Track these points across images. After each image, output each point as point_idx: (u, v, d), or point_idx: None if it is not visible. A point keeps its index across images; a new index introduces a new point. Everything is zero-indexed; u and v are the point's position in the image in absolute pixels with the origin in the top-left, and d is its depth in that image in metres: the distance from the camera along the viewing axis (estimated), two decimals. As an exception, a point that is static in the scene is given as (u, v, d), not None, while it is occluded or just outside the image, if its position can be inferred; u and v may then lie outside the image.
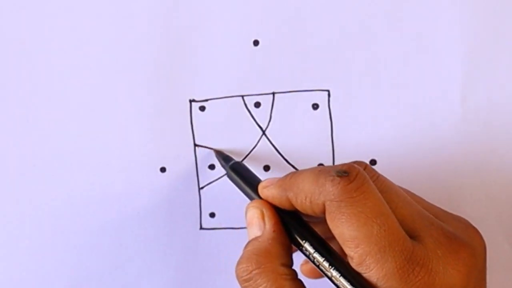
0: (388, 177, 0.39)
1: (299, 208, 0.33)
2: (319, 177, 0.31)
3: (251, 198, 0.36)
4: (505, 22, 0.38)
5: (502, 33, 0.38)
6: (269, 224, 0.34)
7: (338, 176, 0.30)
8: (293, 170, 0.41)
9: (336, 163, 0.41)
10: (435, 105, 0.39)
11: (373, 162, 0.40)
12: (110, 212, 0.42)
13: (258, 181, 0.37)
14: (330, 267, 0.31)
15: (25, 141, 0.41)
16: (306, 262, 0.38)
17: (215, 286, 0.43)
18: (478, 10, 0.38)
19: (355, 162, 0.33)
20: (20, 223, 0.42)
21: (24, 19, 0.40)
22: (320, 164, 0.41)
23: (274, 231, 0.34)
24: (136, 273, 0.43)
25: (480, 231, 0.40)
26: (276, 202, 0.34)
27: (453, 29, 0.39)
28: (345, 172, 0.31)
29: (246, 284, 0.33)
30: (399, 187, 0.34)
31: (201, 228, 0.42)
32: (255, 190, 0.36)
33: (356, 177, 0.31)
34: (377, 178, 0.33)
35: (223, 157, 0.40)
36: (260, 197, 0.35)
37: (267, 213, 0.34)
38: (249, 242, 0.35)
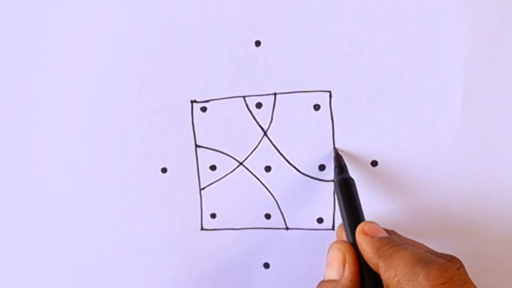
0: (388, 178, 0.40)
1: (383, 279, 0.33)
2: (416, 264, 0.32)
3: (344, 223, 0.37)
4: (506, 24, 0.38)
5: (503, 35, 0.38)
6: (348, 272, 0.35)
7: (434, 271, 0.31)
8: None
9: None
10: (436, 106, 0.39)
11: (374, 163, 0.40)
12: (110, 212, 0.42)
13: (358, 210, 0.37)
14: None
15: (25, 141, 0.41)
16: None
17: (215, 286, 0.43)
18: (479, 12, 0.38)
19: (452, 258, 0.34)
20: (20, 223, 0.43)
21: (25, 19, 0.40)
22: (322, 165, 0.41)
23: (351, 280, 0.34)
24: (136, 273, 0.43)
25: (480, 232, 0.41)
26: (365, 257, 0.35)
27: (454, 31, 0.39)
28: (442, 271, 0.31)
29: None
30: None
31: (202, 228, 0.42)
32: (353, 224, 0.36)
33: (450, 280, 0.31)
34: (465, 283, 0.33)
35: (341, 165, 0.39)
36: (352, 233, 0.36)
37: (349, 260, 0.35)
38: (323, 282, 0.35)
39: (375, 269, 0.34)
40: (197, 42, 0.40)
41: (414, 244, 0.36)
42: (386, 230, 0.36)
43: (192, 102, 0.41)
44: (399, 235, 0.38)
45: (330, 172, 0.41)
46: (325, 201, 0.41)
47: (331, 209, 0.41)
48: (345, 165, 0.39)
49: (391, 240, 0.34)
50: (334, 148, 0.40)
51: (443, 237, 0.41)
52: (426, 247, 0.36)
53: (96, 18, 0.40)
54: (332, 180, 0.41)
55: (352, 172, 0.40)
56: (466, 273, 0.34)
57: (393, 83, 0.40)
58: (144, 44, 0.40)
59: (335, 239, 0.41)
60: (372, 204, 0.41)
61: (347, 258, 0.35)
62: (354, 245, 0.35)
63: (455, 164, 0.40)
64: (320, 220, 0.41)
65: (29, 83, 0.41)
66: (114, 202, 0.42)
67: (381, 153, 0.40)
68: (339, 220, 0.41)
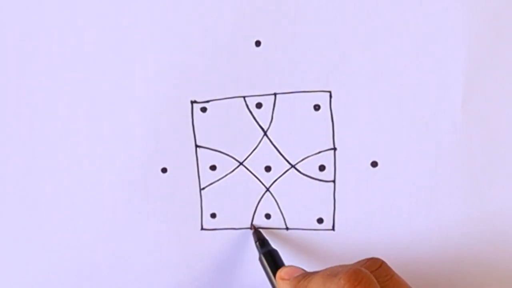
0: (389, 179, 0.40)
1: None
2: (326, 281, 0.33)
3: (272, 286, 0.39)
4: (506, 24, 0.38)
5: (503, 35, 0.38)
6: None
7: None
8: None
9: (337, 164, 0.41)
10: (436, 107, 0.39)
11: (375, 163, 0.40)
12: (110, 212, 0.42)
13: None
14: None
15: (25, 141, 0.41)
16: None
17: (215, 286, 0.43)
18: (479, 12, 0.38)
19: (370, 259, 0.35)
20: (20, 223, 0.43)
21: (26, 19, 0.40)
22: (322, 166, 0.41)
23: None
24: (136, 273, 0.43)
25: (481, 232, 0.41)
26: None
27: (454, 31, 0.38)
28: (350, 277, 0.32)
29: None
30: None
31: (202, 228, 0.42)
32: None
33: (361, 281, 0.32)
34: (391, 278, 0.34)
35: (260, 239, 0.41)
36: None
37: None
38: None
39: None
40: (197, 42, 0.40)
41: (329, 268, 0.36)
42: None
43: (192, 102, 0.41)
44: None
45: (330, 173, 0.41)
46: (325, 201, 0.41)
47: (331, 209, 0.41)
48: (265, 238, 0.41)
49: (305, 274, 0.36)
50: (252, 224, 0.42)
51: (442, 237, 0.41)
52: (341, 265, 0.36)
53: (96, 18, 0.40)
54: (332, 181, 0.41)
55: (352, 172, 0.40)
56: (389, 268, 0.34)
57: (393, 83, 0.39)
58: (144, 44, 0.40)
59: (336, 239, 0.41)
60: (372, 205, 0.41)
61: None
62: None
63: (455, 164, 0.40)
64: (320, 221, 0.41)
65: (29, 83, 0.41)
66: (114, 202, 0.42)
67: (381, 153, 0.40)
68: (339, 221, 0.41)
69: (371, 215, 0.41)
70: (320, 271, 0.35)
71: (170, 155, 0.41)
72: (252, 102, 0.41)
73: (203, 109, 0.41)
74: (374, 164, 0.40)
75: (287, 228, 0.42)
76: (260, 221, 0.42)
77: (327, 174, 0.41)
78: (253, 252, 0.42)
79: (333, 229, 0.41)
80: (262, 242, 0.41)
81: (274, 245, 0.42)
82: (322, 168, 0.41)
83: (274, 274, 0.39)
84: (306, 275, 0.35)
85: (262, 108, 0.41)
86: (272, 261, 0.39)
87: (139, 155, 0.41)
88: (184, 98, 0.41)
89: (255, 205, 0.42)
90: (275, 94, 0.40)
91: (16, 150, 0.42)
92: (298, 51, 0.40)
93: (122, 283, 0.43)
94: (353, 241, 0.41)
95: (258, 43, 0.40)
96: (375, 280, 0.32)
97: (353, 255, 0.40)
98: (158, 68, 0.40)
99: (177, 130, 0.41)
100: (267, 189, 0.42)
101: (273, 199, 0.42)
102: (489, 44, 0.38)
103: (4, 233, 0.43)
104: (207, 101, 0.41)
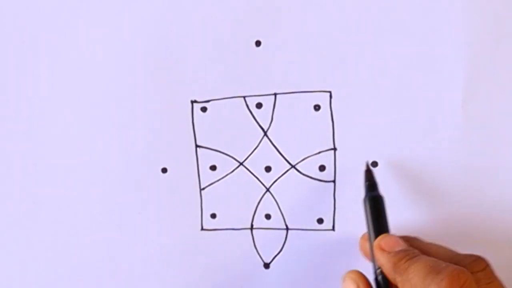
0: (389, 179, 0.40)
1: None
2: (428, 275, 0.32)
3: (369, 240, 0.38)
4: (506, 24, 0.38)
5: (503, 36, 0.38)
6: None
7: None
8: (294, 171, 0.41)
9: (337, 165, 0.41)
10: (436, 107, 0.39)
11: (375, 163, 0.40)
12: (110, 212, 0.42)
13: (383, 229, 0.38)
14: None
15: (26, 141, 0.41)
16: None
17: (215, 286, 0.43)
18: (480, 13, 0.38)
19: (477, 258, 0.34)
20: (20, 223, 0.43)
21: (26, 19, 0.40)
22: (322, 166, 0.41)
23: None
24: (136, 273, 0.43)
25: (481, 232, 0.40)
26: (385, 272, 0.35)
27: (454, 31, 0.39)
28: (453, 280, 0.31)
29: None
30: None
31: (202, 229, 0.42)
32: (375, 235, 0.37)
33: (463, 285, 0.31)
34: (492, 282, 0.33)
35: (370, 181, 0.39)
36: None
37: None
38: None
39: (395, 283, 0.35)
40: (197, 42, 0.40)
41: (438, 249, 0.36)
42: (408, 237, 0.37)
43: (192, 102, 0.41)
44: (421, 241, 0.38)
45: (330, 173, 0.41)
46: (325, 201, 0.41)
47: (331, 209, 0.41)
48: (375, 181, 0.39)
49: (407, 253, 0.35)
50: (366, 162, 0.40)
51: (442, 237, 0.41)
52: (449, 250, 0.36)
53: (96, 18, 0.40)
54: (332, 181, 0.41)
55: (352, 172, 0.40)
56: (492, 272, 0.34)
57: (393, 83, 0.40)
58: (144, 44, 0.40)
59: (337, 240, 0.41)
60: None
61: (360, 286, 0.36)
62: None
63: (455, 164, 0.40)
64: (320, 221, 0.41)
65: (29, 83, 0.41)
66: (114, 202, 0.42)
67: (381, 153, 0.40)
68: (339, 221, 0.41)
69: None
70: (423, 256, 0.34)
71: (170, 155, 0.41)
72: (252, 102, 0.41)
73: (203, 109, 0.41)
74: (374, 164, 0.40)
75: (287, 228, 0.42)
76: (260, 221, 0.42)
77: (327, 174, 0.41)
78: (253, 252, 0.42)
79: (333, 229, 0.41)
80: (370, 185, 0.39)
81: (274, 245, 0.42)
82: (322, 168, 0.41)
83: (374, 223, 0.38)
84: (407, 255, 0.35)
85: (262, 108, 0.41)
86: (374, 208, 0.38)
87: (139, 155, 0.41)
88: (184, 98, 0.41)
89: (255, 205, 0.42)
90: (275, 94, 0.40)
91: (16, 150, 0.42)
92: (298, 51, 0.40)
93: (122, 283, 0.43)
94: (353, 241, 0.41)
95: (258, 43, 0.40)
96: (475, 285, 0.32)
97: (353, 255, 0.41)
98: (158, 68, 0.40)
99: (177, 130, 0.41)
100: (267, 189, 0.42)
101: (273, 199, 0.42)
102: (489, 44, 0.39)
103: (4, 233, 0.43)
104: (207, 101, 0.41)
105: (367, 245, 0.39)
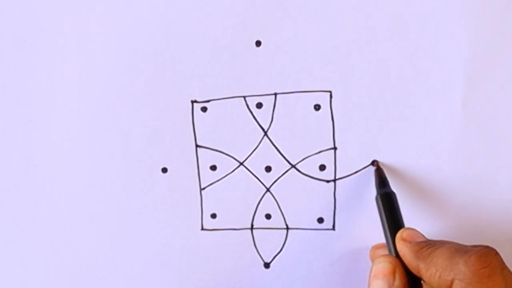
0: (389, 179, 0.40)
1: (426, 280, 0.34)
2: (454, 255, 0.33)
3: (385, 236, 0.37)
4: (506, 24, 0.38)
5: (503, 35, 0.38)
6: (399, 282, 0.35)
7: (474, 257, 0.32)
8: (295, 170, 0.41)
9: (337, 165, 0.41)
10: (436, 107, 0.39)
11: (375, 163, 0.40)
12: (110, 212, 0.42)
13: (400, 224, 0.38)
14: None
15: (26, 141, 0.41)
16: None
17: (215, 286, 0.43)
18: (480, 12, 0.38)
19: (487, 247, 0.34)
20: (21, 223, 0.42)
21: (25, 19, 0.40)
22: (322, 165, 0.41)
23: None
24: (136, 273, 0.43)
25: (481, 232, 0.41)
26: (406, 262, 0.36)
27: (455, 31, 0.39)
28: (481, 256, 0.32)
29: None
30: None
31: (202, 229, 0.42)
32: (393, 232, 0.37)
33: (490, 264, 0.32)
34: (502, 270, 0.33)
35: (381, 179, 0.40)
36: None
37: (400, 271, 0.36)
38: None
39: (417, 273, 0.35)
40: (197, 42, 0.40)
41: (452, 242, 0.36)
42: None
43: (192, 102, 0.41)
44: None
45: (330, 172, 0.41)
46: (325, 201, 0.41)
47: (331, 209, 0.41)
48: (386, 178, 0.39)
49: (428, 243, 0.35)
50: (374, 161, 0.40)
51: (442, 237, 0.41)
52: (460, 244, 0.36)
53: (96, 17, 0.40)
54: (333, 180, 0.41)
55: (353, 172, 0.40)
56: (501, 260, 0.34)
57: (393, 83, 0.40)
58: (144, 44, 0.40)
59: (337, 239, 0.41)
60: (372, 205, 0.41)
61: (397, 270, 0.36)
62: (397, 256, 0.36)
63: (455, 164, 0.40)
64: (320, 220, 0.41)
65: (29, 83, 0.41)
66: (114, 202, 0.42)
67: (381, 154, 0.40)
68: (339, 220, 0.41)
69: (371, 215, 0.41)
70: (445, 243, 0.35)
71: (170, 155, 0.41)
72: (252, 102, 0.41)
73: (204, 109, 0.41)
74: (375, 163, 0.40)
75: (287, 228, 0.42)
76: (260, 221, 0.42)
77: (328, 174, 0.41)
78: (253, 252, 0.42)
79: (333, 228, 0.41)
80: (382, 182, 0.39)
81: (274, 245, 0.42)
82: (322, 167, 0.41)
83: (388, 219, 0.38)
84: (430, 243, 0.35)
85: (263, 108, 0.41)
86: (387, 204, 0.38)
87: (139, 155, 0.41)
88: (184, 98, 0.41)
89: (256, 205, 0.42)
90: (275, 94, 0.40)
91: (16, 150, 0.42)
92: (298, 51, 0.40)
93: (122, 283, 0.43)
94: (353, 241, 0.41)
95: (258, 43, 0.40)
96: (500, 266, 0.32)
97: (354, 255, 0.41)
98: (158, 68, 0.40)
99: (177, 130, 0.41)
100: (268, 189, 0.42)
101: (273, 199, 0.42)
102: (490, 44, 0.39)
103: (4, 233, 0.43)
104: (208, 101, 0.41)
105: (378, 252, 0.39)
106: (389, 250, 0.37)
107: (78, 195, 0.42)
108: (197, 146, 0.41)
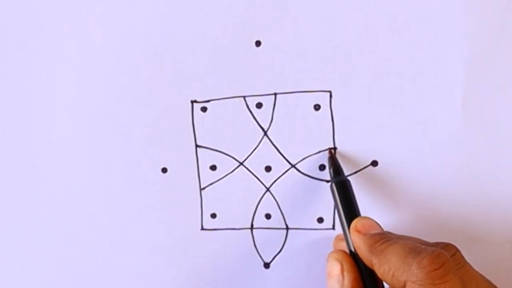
0: (388, 178, 0.40)
1: (379, 275, 0.34)
2: (408, 255, 0.32)
3: (342, 226, 0.37)
4: (506, 24, 0.38)
5: (503, 35, 0.38)
6: (347, 280, 0.35)
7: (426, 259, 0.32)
8: (294, 170, 0.41)
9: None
10: (436, 106, 0.39)
11: (375, 163, 0.40)
12: (110, 212, 0.42)
13: (355, 212, 0.37)
14: None
15: (26, 141, 0.41)
16: None
17: (215, 286, 0.43)
18: (479, 12, 0.38)
19: (446, 245, 0.34)
20: (20, 223, 0.42)
21: (25, 19, 0.40)
22: (322, 165, 0.41)
23: (352, 287, 0.35)
24: (136, 273, 0.43)
25: (481, 232, 0.41)
26: (360, 255, 0.35)
27: (454, 31, 0.39)
28: (434, 258, 0.32)
29: None
30: (483, 278, 0.35)
31: (202, 228, 0.42)
32: (349, 221, 0.37)
33: (443, 265, 0.31)
34: (463, 267, 0.34)
35: (335, 166, 0.39)
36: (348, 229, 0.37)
37: (347, 267, 0.36)
38: None
39: (370, 266, 0.34)
40: (197, 42, 0.40)
41: (408, 238, 0.36)
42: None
43: (192, 102, 0.41)
44: (392, 233, 0.38)
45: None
46: (325, 201, 0.41)
47: (331, 209, 0.41)
48: (340, 166, 0.39)
49: (383, 236, 0.35)
50: (329, 149, 0.40)
51: (442, 237, 0.41)
52: (420, 239, 0.36)
53: (96, 17, 0.40)
54: (330, 181, 0.41)
55: (352, 172, 0.40)
56: (462, 257, 0.34)
57: (393, 83, 0.40)
58: (144, 44, 0.40)
59: (335, 239, 0.41)
60: (372, 204, 0.41)
61: (344, 266, 0.36)
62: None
63: (455, 164, 0.40)
64: (320, 220, 0.41)
65: (29, 83, 0.41)
66: (114, 202, 0.42)
67: (381, 153, 0.40)
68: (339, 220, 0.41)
69: (371, 215, 0.40)
70: (399, 239, 0.34)
71: (170, 155, 0.41)
72: (252, 102, 0.41)
73: (203, 109, 0.41)
74: (374, 163, 0.40)
75: (287, 228, 0.42)
76: (260, 221, 0.42)
77: (327, 174, 0.41)
78: (253, 252, 0.42)
79: (333, 228, 0.41)
80: (336, 170, 0.39)
81: (274, 245, 0.42)
82: (322, 167, 0.41)
83: (344, 207, 0.38)
84: (384, 237, 0.35)
85: (262, 108, 0.41)
86: (342, 192, 0.38)
87: (139, 155, 0.41)
88: (184, 98, 0.41)
89: (255, 205, 0.42)
90: (275, 94, 0.40)
91: (16, 150, 0.42)
92: (298, 51, 0.40)
93: (122, 283, 0.43)
94: (353, 241, 0.41)
95: (258, 43, 0.40)
96: (454, 267, 0.32)
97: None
98: (158, 68, 0.40)
99: (177, 130, 0.41)
100: (267, 189, 0.42)
101: (273, 199, 0.42)
102: (489, 44, 0.39)
103: (4, 233, 0.43)
104: (207, 101, 0.41)
105: (339, 245, 0.39)
106: (346, 241, 0.37)
107: (78, 195, 0.42)
108: (197, 146, 0.41)
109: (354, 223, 0.36)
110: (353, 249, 0.36)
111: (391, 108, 0.40)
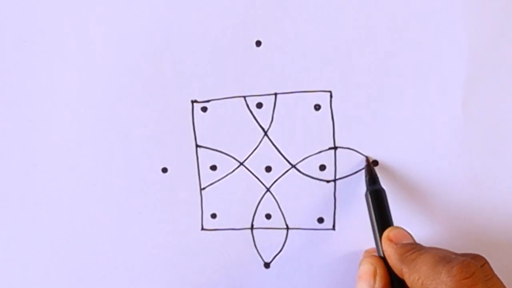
0: (389, 179, 0.40)
1: (408, 284, 0.34)
2: (438, 264, 0.33)
3: (374, 234, 0.38)
4: (506, 24, 0.38)
5: (503, 35, 0.38)
6: (379, 284, 0.36)
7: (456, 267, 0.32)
8: (296, 171, 0.41)
9: (338, 164, 0.41)
10: (436, 106, 0.39)
11: (375, 163, 0.40)
12: (110, 212, 0.42)
13: (388, 221, 0.38)
14: None
15: (26, 141, 0.41)
16: None
17: (215, 286, 0.43)
18: (480, 12, 0.38)
19: (476, 256, 0.35)
20: (20, 223, 0.42)
21: (25, 19, 0.40)
22: (322, 165, 0.41)
23: None
24: (136, 273, 0.43)
25: (481, 233, 0.41)
26: (390, 264, 0.36)
27: (454, 31, 0.39)
28: (464, 267, 0.32)
29: None
30: None
31: (202, 229, 0.42)
32: (381, 230, 0.38)
33: (472, 275, 0.32)
34: (491, 278, 0.34)
35: (371, 175, 0.40)
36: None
37: (380, 273, 0.36)
38: None
39: (400, 275, 0.35)
40: (197, 42, 0.40)
41: (438, 249, 0.37)
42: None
43: (192, 102, 0.41)
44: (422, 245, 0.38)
45: (330, 172, 0.41)
46: (325, 201, 0.41)
47: (331, 209, 0.41)
48: (376, 175, 0.40)
49: (414, 246, 0.36)
50: (366, 157, 0.40)
51: (442, 237, 0.41)
52: (450, 251, 0.36)
53: (96, 17, 0.40)
54: (333, 180, 0.41)
55: (353, 172, 0.40)
56: (491, 269, 0.35)
57: (393, 83, 0.40)
58: (144, 44, 0.40)
59: (337, 239, 0.41)
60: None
61: (378, 271, 0.36)
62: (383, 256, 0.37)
63: (455, 164, 0.40)
64: (320, 220, 0.41)
65: (29, 83, 0.41)
66: (114, 202, 0.42)
67: (381, 153, 0.40)
68: (339, 220, 0.41)
69: (368, 214, 0.41)
70: (431, 249, 0.35)
71: (170, 155, 0.41)
72: (252, 102, 0.41)
73: (204, 109, 0.41)
74: (375, 163, 0.40)
75: (287, 228, 0.42)
76: (260, 221, 0.42)
77: (328, 174, 0.41)
78: (253, 252, 0.42)
79: (333, 228, 0.41)
80: (372, 179, 0.39)
81: (274, 245, 0.42)
82: (322, 168, 0.41)
83: (377, 216, 0.38)
84: (415, 247, 0.35)
85: (263, 108, 0.41)
86: (376, 201, 0.39)
87: (139, 155, 0.41)
88: (184, 98, 0.41)
89: (256, 205, 0.42)
90: (275, 94, 0.40)
91: (16, 150, 0.42)
92: (298, 51, 0.40)
93: (122, 283, 0.43)
94: (353, 241, 0.41)
95: (258, 43, 0.40)
96: (483, 278, 0.32)
97: (354, 255, 0.41)
98: (158, 68, 0.40)
99: (177, 130, 0.41)
100: (268, 189, 0.42)
101: (273, 199, 0.42)
102: (489, 44, 0.39)
103: (4, 233, 0.43)
104: (208, 101, 0.41)
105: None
106: (377, 249, 0.38)
107: (78, 195, 0.42)
108: (197, 146, 0.41)
109: (386, 232, 0.37)
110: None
111: (391, 108, 0.40)
